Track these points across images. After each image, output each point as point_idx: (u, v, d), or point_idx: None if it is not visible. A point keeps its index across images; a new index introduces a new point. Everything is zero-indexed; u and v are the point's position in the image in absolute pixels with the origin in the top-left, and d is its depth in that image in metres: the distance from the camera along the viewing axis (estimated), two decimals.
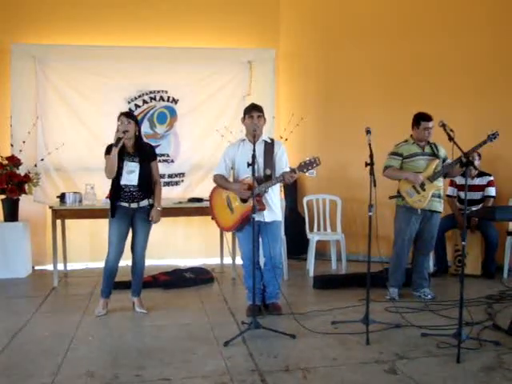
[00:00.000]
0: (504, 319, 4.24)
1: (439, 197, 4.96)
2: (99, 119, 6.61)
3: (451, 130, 3.95)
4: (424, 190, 4.83)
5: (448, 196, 6.09)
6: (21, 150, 6.34)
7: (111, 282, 4.64)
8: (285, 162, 4.49)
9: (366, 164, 4.01)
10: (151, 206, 4.61)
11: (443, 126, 4.03)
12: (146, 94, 6.91)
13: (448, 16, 6.51)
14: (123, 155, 4.46)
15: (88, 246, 6.73)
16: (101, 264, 4.64)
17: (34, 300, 5.14)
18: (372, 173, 3.97)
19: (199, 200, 6.05)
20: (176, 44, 6.93)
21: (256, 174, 4.14)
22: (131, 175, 4.47)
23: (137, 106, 6.87)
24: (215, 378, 3.25)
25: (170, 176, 6.97)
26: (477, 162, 5.72)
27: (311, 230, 6.52)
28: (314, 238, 6.28)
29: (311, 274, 6.08)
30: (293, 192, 7.33)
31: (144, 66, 6.80)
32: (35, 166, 6.48)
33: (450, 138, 3.89)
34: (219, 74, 7.04)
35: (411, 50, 6.68)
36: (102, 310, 4.60)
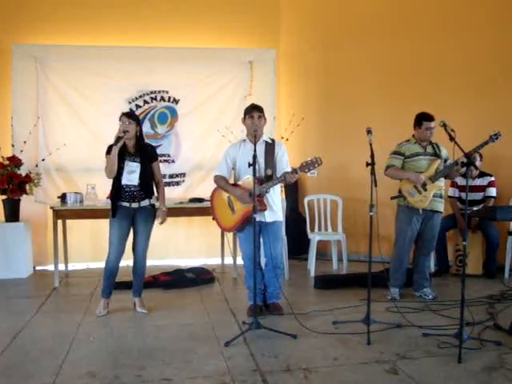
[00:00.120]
0: (505, 319, 4.24)
1: (440, 197, 4.96)
2: (100, 119, 6.61)
3: (452, 130, 3.95)
4: (425, 189, 4.83)
5: (449, 197, 6.09)
6: (22, 151, 6.35)
7: (112, 283, 4.64)
8: (285, 162, 4.49)
9: (367, 164, 4.01)
10: (152, 205, 4.62)
11: (444, 125, 4.03)
12: (147, 94, 6.91)
13: (448, 16, 6.51)
14: (124, 155, 4.46)
15: (89, 246, 6.73)
16: (102, 264, 4.64)
17: (34, 300, 5.14)
18: (373, 173, 3.97)
19: (200, 200, 6.05)
20: (176, 44, 6.93)
21: (257, 175, 4.14)
22: (132, 175, 4.47)
23: (138, 106, 6.87)
24: (216, 378, 3.25)
25: (170, 176, 6.96)
26: (478, 163, 5.71)
27: (312, 229, 6.52)
28: (314, 237, 6.28)
29: (312, 273, 6.08)
30: (294, 192, 7.33)
31: (145, 66, 6.80)
32: (36, 166, 6.48)
33: (451, 138, 3.88)
34: (220, 74, 7.04)
35: (411, 50, 6.68)
36: (102, 310, 4.60)
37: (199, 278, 5.85)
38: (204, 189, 6.37)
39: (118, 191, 4.49)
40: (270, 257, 4.48)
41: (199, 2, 7.11)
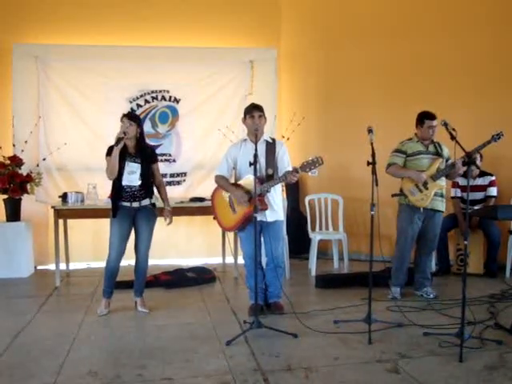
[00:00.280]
0: (506, 318, 4.24)
1: (442, 196, 4.96)
2: (101, 119, 6.62)
3: (453, 130, 3.94)
4: (427, 188, 4.83)
5: (452, 198, 6.09)
6: (23, 150, 6.35)
7: (113, 282, 4.64)
8: (286, 161, 4.48)
9: (368, 163, 4.01)
10: (153, 204, 4.62)
11: (445, 125, 4.03)
12: (148, 93, 6.92)
13: (448, 16, 6.51)
14: (125, 156, 4.47)
15: (90, 245, 6.73)
16: (103, 264, 4.64)
17: (36, 300, 5.15)
18: (374, 172, 3.97)
19: (201, 199, 6.05)
20: (177, 44, 6.94)
21: (258, 174, 4.14)
22: (132, 176, 4.48)
23: (139, 106, 6.88)
24: (217, 377, 3.25)
25: (171, 175, 6.97)
26: (478, 162, 5.70)
27: (313, 229, 6.52)
28: (315, 237, 6.28)
29: (313, 273, 6.08)
30: (295, 191, 7.33)
31: (146, 66, 6.80)
32: (37, 165, 6.49)
33: (452, 137, 3.88)
34: (221, 73, 7.04)
35: (411, 50, 6.68)
36: (104, 310, 4.60)
37: (200, 277, 5.86)
38: (205, 188, 6.37)
39: (118, 191, 4.50)
40: (270, 256, 4.48)
41: (200, 2, 7.12)
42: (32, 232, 6.38)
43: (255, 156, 4.03)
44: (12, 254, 6.06)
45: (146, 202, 4.57)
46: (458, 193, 6.09)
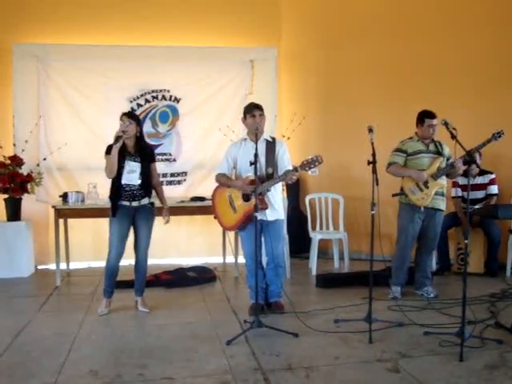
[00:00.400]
0: (507, 317, 4.24)
1: (442, 195, 4.96)
2: (101, 118, 6.62)
3: (454, 129, 3.94)
4: (427, 187, 4.82)
5: (453, 197, 6.09)
6: (23, 150, 6.36)
7: (113, 282, 4.64)
8: (287, 160, 4.48)
9: (369, 162, 4.01)
10: (151, 203, 4.63)
11: (445, 124, 4.03)
12: (148, 93, 6.92)
13: (448, 16, 6.50)
14: (124, 155, 4.47)
15: (90, 245, 6.73)
16: (103, 263, 4.64)
17: (36, 299, 5.15)
18: (374, 171, 3.97)
19: (202, 199, 6.05)
20: (177, 43, 6.94)
21: (258, 173, 4.14)
22: (132, 175, 4.48)
23: (139, 105, 6.88)
24: (218, 376, 3.25)
25: (172, 175, 6.97)
26: (478, 161, 5.70)
27: (313, 228, 6.52)
28: (316, 236, 6.28)
29: (314, 272, 6.09)
30: (295, 190, 7.33)
31: (146, 66, 6.81)
32: (38, 165, 6.50)
33: (453, 137, 3.88)
34: (221, 73, 7.04)
35: (411, 50, 6.68)
36: (104, 310, 4.61)
37: (201, 276, 5.86)
38: (205, 188, 6.37)
39: (118, 191, 4.50)
40: (271, 256, 4.48)
41: (200, 2, 7.12)
42: (32, 232, 6.38)
43: (256, 155, 4.03)
44: (12, 253, 6.07)
45: (145, 201, 4.57)
46: (459, 192, 6.08)
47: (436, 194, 4.86)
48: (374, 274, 4.07)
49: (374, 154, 4.03)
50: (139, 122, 4.62)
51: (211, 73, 7.01)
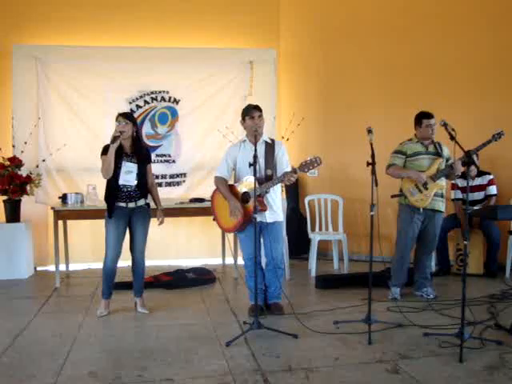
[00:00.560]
0: (506, 318, 4.24)
1: (442, 196, 4.96)
2: (100, 120, 6.61)
3: (453, 130, 3.94)
4: (426, 188, 4.82)
5: (452, 200, 6.09)
6: (22, 151, 6.35)
7: (111, 283, 4.64)
8: (285, 162, 4.49)
9: (368, 163, 4.01)
10: (147, 204, 4.63)
11: (445, 125, 4.02)
12: (147, 94, 6.91)
13: (448, 16, 6.51)
14: (121, 155, 4.47)
15: (90, 246, 6.72)
16: (102, 264, 4.64)
17: (36, 301, 5.15)
18: (374, 172, 3.97)
19: (201, 200, 6.05)
20: (177, 44, 6.94)
21: (257, 175, 4.14)
22: (129, 175, 4.48)
23: (138, 107, 6.88)
24: (217, 378, 3.25)
25: (171, 176, 6.97)
26: (476, 162, 5.71)
27: (313, 229, 6.52)
28: (315, 237, 6.28)
29: (313, 273, 6.08)
30: (294, 192, 7.33)
31: (145, 67, 6.80)
32: (37, 166, 6.49)
33: (452, 138, 3.88)
34: (220, 74, 7.04)
35: (411, 50, 6.68)
36: (103, 311, 4.60)
37: (200, 278, 5.86)
38: (205, 189, 6.38)
39: (114, 191, 4.50)
40: (270, 257, 4.48)
41: (199, 2, 7.12)
42: (32, 233, 6.37)
43: (255, 157, 4.03)
44: (12, 255, 6.06)
45: (141, 202, 4.57)
46: (458, 194, 6.08)
47: (435, 195, 4.86)
48: (373, 275, 4.07)
49: (373, 155, 4.03)
50: (135, 123, 4.62)
51: (210, 74, 7.00)
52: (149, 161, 4.70)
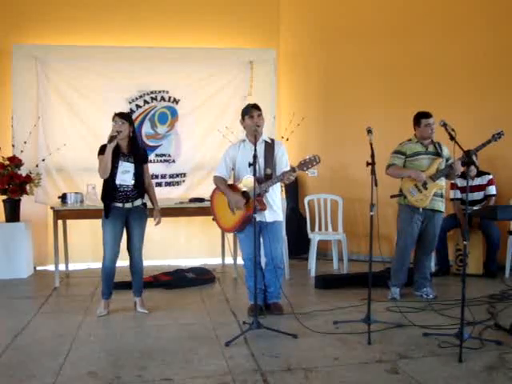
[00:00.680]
0: (506, 319, 4.24)
1: (441, 196, 4.96)
2: (100, 119, 6.59)
3: (452, 130, 3.94)
4: (426, 188, 4.82)
5: (451, 199, 6.09)
6: (22, 151, 6.35)
7: (110, 283, 4.65)
8: (285, 162, 4.49)
9: (368, 163, 4.01)
10: (144, 204, 4.63)
11: (444, 125, 4.02)
12: (147, 94, 6.91)
13: (448, 16, 6.51)
14: (118, 155, 4.46)
15: (89, 246, 6.70)
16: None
17: (35, 300, 5.15)
18: (373, 172, 3.97)
19: (201, 200, 6.05)
20: (177, 44, 6.94)
21: (257, 174, 4.14)
22: (126, 175, 4.48)
23: (138, 107, 6.88)
24: (217, 378, 3.25)
25: (171, 176, 6.97)
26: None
27: (312, 229, 6.51)
28: (315, 237, 6.27)
29: (313, 273, 6.08)
30: (294, 192, 7.33)
31: (145, 66, 6.80)
32: (36, 166, 6.49)
33: (452, 138, 3.88)
34: (220, 74, 7.04)
35: (411, 50, 6.69)
36: (103, 311, 4.60)
37: (199, 278, 5.86)
38: (204, 189, 6.37)
39: (111, 192, 4.49)
40: (270, 257, 4.48)
41: (199, 3, 7.11)
42: (31, 233, 6.37)
43: (255, 157, 4.03)
44: (11, 254, 6.06)
45: (138, 202, 4.57)
46: (458, 194, 6.08)
47: (435, 195, 4.86)
48: (373, 275, 4.08)
49: (372, 155, 4.03)
50: (132, 122, 4.62)
51: (210, 74, 7.00)
52: (146, 161, 4.69)
